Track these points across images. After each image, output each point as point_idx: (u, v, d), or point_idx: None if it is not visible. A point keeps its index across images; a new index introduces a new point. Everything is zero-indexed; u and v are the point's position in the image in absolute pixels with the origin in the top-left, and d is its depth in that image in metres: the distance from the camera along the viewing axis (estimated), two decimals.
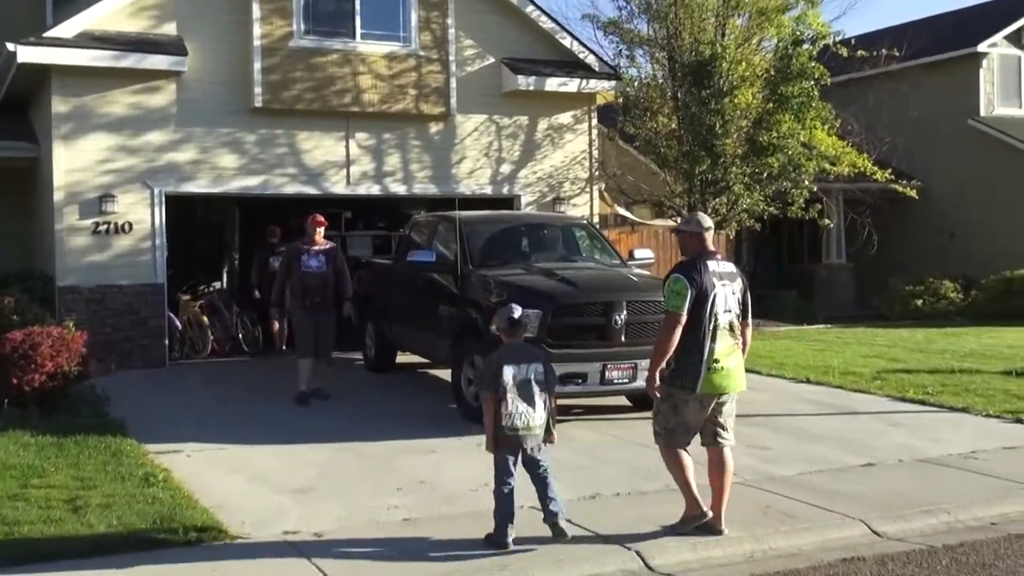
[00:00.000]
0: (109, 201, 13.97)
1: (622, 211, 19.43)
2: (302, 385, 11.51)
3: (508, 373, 6.19)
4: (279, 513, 7.23)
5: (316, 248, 11.61)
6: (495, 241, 11.84)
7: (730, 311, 6.39)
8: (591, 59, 16.72)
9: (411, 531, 6.81)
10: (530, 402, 6.19)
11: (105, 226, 14.00)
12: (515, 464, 6.24)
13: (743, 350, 6.57)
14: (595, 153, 17.06)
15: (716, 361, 6.29)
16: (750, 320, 6.64)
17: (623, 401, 11.08)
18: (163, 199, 14.32)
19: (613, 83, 16.74)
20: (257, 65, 14.42)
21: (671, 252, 18.07)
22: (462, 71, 15.83)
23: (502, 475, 6.24)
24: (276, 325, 13.11)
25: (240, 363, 14.86)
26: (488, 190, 16.20)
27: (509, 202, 16.41)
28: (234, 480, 8.27)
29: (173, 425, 10.40)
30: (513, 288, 10.34)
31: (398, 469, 8.56)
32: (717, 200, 16.09)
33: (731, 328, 6.39)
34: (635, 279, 10.75)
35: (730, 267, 6.55)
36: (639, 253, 12.20)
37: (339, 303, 11.67)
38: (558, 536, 6.34)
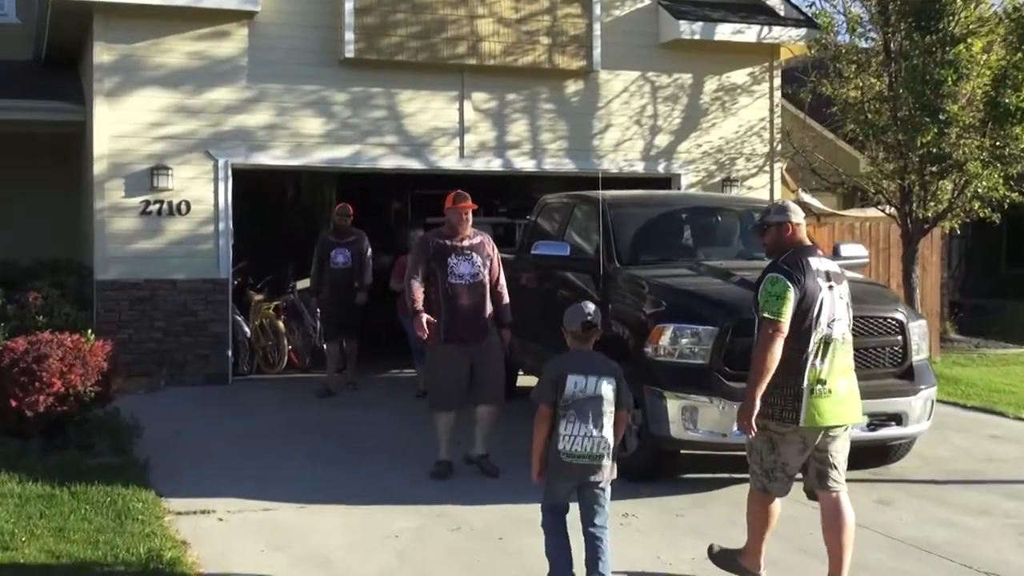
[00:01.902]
0: (162, 175, 12.87)
1: (808, 198, 17.29)
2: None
3: (571, 384, 5.80)
4: None
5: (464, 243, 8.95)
6: (651, 230, 10.27)
7: (839, 320, 6.00)
8: (775, 0, 14.96)
9: None
10: (597, 424, 5.80)
11: (157, 206, 12.93)
12: (567, 507, 5.89)
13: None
14: (778, 122, 15.35)
15: (822, 383, 5.85)
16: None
17: None
18: (229, 173, 13.22)
19: (804, 31, 14.97)
20: (349, 5, 13.18)
21: (877, 251, 15.86)
22: (608, 15, 14.45)
23: (553, 507, 5.90)
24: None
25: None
26: (639, 167, 14.83)
27: (666, 182, 14.95)
28: (275, 561, 6.52)
29: (215, 468, 8.92)
30: (676, 294, 8.75)
31: (513, 551, 6.83)
32: (941, 182, 13.81)
33: (842, 342, 6.01)
34: (853, 287, 8.71)
35: (835, 265, 6.18)
36: (847, 249, 10.32)
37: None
38: None
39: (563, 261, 9.94)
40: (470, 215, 8.75)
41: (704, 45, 14.63)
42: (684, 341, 8.20)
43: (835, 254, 10.12)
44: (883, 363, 8.39)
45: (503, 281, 8.89)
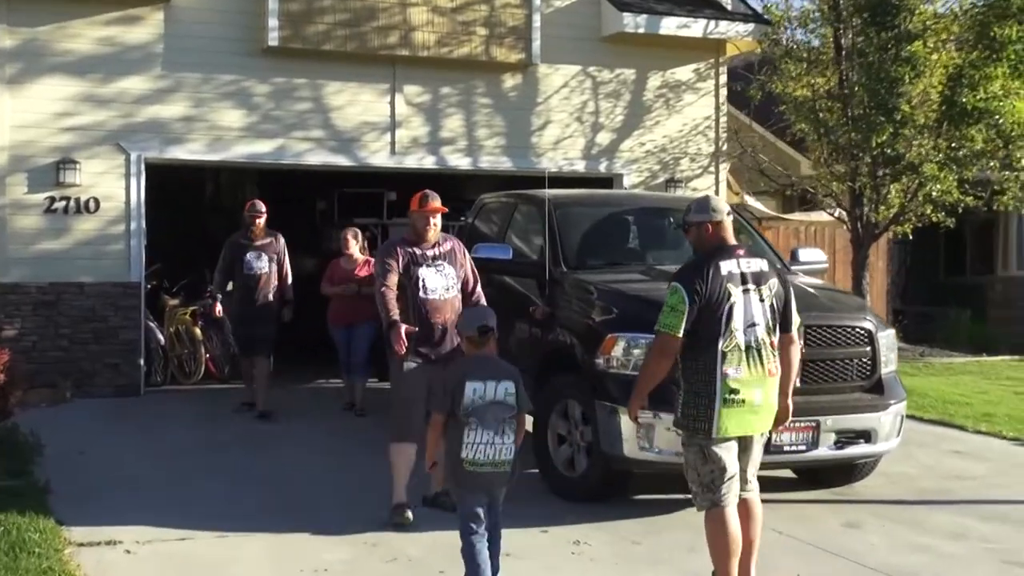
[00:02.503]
0: (69, 169, 12.15)
1: (751, 200, 16.95)
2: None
3: (471, 391, 5.77)
4: None
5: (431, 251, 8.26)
6: (600, 232, 9.71)
7: (756, 325, 5.80)
8: None
9: None
10: (499, 430, 5.79)
11: (63, 203, 12.20)
12: (485, 510, 5.84)
13: (789, 375, 6.01)
14: (723, 120, 15.05)
15: (734, 392, 5.71)
16: (795, 333, 6.06)
17: (783, 472, 8.70)
18: (143, 167, 12.54)
19: (752, 27, 14.72)
20: None
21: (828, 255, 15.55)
22: (548, 6, 14.11)
23: (468, 521, 5.80)
24: None
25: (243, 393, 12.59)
26: (580, 166, 14.47)
27: (607, 182, 14.60)
28: None
29: (125, 491, 8.21)
30: (630, 301, 8.21)
31: None
32: (894, 185, 13.50)
33: (759, 349, 5.80)
34: (814, 292, 8.46)
35: (760, 264, 5.96)
36: (805, 254, 9.93)
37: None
38: None
39: (505, 265, 9.37)
40: (439, 219, 7.72)
41: (648, 39, 14.29)
42: (639, 351, 7.67)
43: (793, 259, 9.85)
44: (850, 376, 7.95)
45: (480, 291, 7.95)
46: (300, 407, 11.85)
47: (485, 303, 7.79)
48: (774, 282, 5.94)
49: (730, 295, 5.75)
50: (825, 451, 7.77)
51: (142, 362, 12.60)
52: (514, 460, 5.85)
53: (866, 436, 7.93)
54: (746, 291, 5.80)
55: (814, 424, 7.66)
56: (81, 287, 12.23)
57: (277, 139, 13.00)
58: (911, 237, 14.57)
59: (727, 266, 5.80)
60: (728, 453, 5.81)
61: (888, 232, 14.95)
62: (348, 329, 11.42)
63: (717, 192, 14.72)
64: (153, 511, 7.57)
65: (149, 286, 13.20)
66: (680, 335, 5.70)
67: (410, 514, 7.35)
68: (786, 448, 7.65)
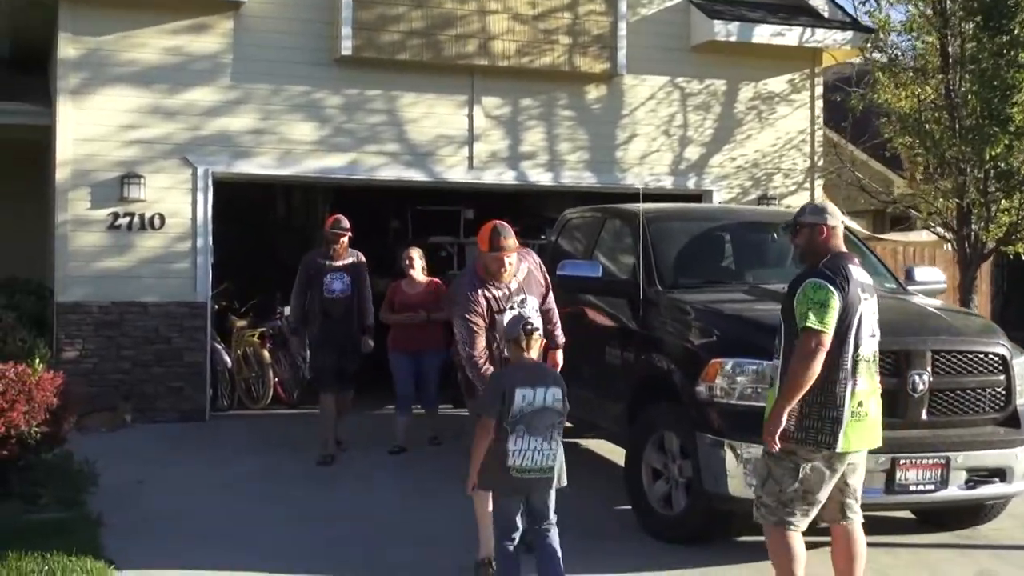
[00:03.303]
0: (134, 183, 11.73)
1: (847, 220, 16.10)
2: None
3: (519, 398, 5.76)
4: None
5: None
6: (697, 248, 9.04)
7: (875, 336, 5.78)
8: (818, 0, 14.05)
9: None
10: (547, 436, 5.83)
11: (127, 219, 11.78)
12: (521, 515, 5.87)
13: None
14: (819, 134, 14.35)
15: (861, 405, 5.64)
16: None
17: (901, 513, 8.00)
18: (210, 182, 12.09)
19: (850, 34, 13.99)
20: None
21: None
22: (635, 14, 13.48)
23: (505, 527, 5.86)
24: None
25: (315, 419, 11.79)
26: (667, 182, 13.82)
27: (696, 199, 13.88)
28: None
29: (183, 526, 7.66)
30: (734, 322, 7.57)
31: None
32: (1005, 201, 12.65)
33: (875, 360, 5.81)
34: (942, 314, 7.72)
35: (868, 277, 5.92)
36: (922, 273, 9.24)
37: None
38: None
39: (593, 284, 8.73)
40: (515, 258, 6.74)
41: (740, 48, 13.65)
42: (746, 379, 6.98)
43: (908, 278, 9.20)
44: (983, 408, 7.16)
45: (551, 299, 7.23)
46: (364, 438, 11.01)
47: (556, 311, 7.29)
48: (876, 298, 5.88)
49: (860, 301, 5.67)
50: (955, 491, 6.99)
51: (208, 385, 12.14)
52: (561, 465, 6.02)
53: (1001, 475, 7.14)
54: (866, 300, 5.73)
55: (943, 461, 6.90)
56: (145, 307, 11.79)
57: (349, 153, 12.54)
58: (1022, 257, 13.60)
59: (855, 272, 5.71)
60: (818, 479, 5.66)
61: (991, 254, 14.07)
62: (415, 358, 10.52)
63: None
64: (212, 549, 7.05)
65: (216, 306, 12.82)
66: (831, 332, 5.49)
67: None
68: (912, 488, 6.90)
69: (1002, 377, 7.20)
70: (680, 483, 7.45)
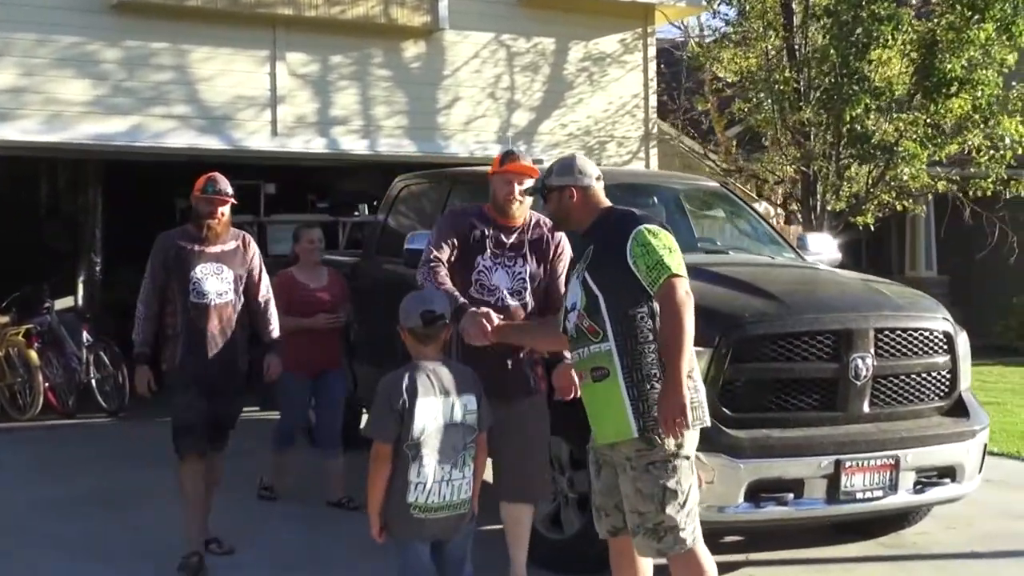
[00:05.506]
0: None
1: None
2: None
3: (424, 411, 4.65)
4: None
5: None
6: None
7: None
8: None
9: None
10: (458, 462, 4.73)
11: None
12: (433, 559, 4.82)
13: None
14: (653, 99, 14.09)
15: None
16: None
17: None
18: None
19: None
20: None
21: None
22: None
23: None
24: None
25: (95, 430, 11.22)
26: (494, 151, 12.73)
27: None
28: None
29: None
30: None
31: None
32: (856, 169, 12.13)
33: None
34: (879, 287, 6.92)
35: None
36: (815, 242, 8.43)
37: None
38: None
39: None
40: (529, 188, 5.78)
41: (569, 3, 13.45)
42: None
43: (801, 246, 8.42)
44: (927, 395, 6.25)
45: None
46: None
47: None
48: None
49: None
50: (905, 496, 6.03)
51: None
52: (470, 496, 4.90)
53: (951, 474, 6.19)
54: None
55: (892, 461, 5.93)
56: None
57: (131, 116, 11.61)
58: (872, 228, 13.11)
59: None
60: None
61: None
62: (315, 380, 7.96)
63: None
64: None
65: None
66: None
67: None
68: (859, 495, 5.89)
69: (947, 358, 6.29)
70: (571, 499, 6.32)
